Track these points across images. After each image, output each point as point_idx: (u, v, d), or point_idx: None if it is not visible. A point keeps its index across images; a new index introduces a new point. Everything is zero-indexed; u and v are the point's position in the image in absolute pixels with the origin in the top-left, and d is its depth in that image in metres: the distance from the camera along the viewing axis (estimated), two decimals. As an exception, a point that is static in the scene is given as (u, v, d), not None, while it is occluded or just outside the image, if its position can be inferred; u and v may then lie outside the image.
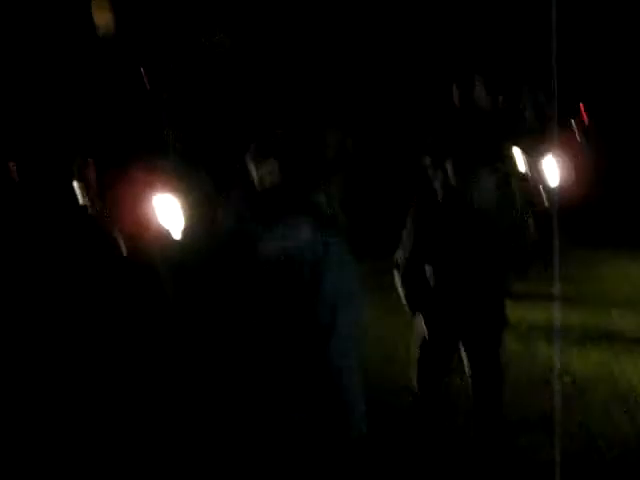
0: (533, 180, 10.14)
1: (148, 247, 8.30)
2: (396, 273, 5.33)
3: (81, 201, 9.35)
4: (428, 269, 5.31)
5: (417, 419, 5.48)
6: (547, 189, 9.94)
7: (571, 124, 12.54)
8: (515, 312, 6.58)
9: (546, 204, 9.83)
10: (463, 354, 5.40)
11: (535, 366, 7.11)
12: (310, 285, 3.79)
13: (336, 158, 4.01)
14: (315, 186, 3.97)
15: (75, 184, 9.49)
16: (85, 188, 9.43)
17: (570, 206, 9.90)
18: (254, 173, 4.09)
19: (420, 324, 5.34)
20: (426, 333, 5.29)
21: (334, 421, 3.91)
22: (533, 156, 10.15)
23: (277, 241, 3.84)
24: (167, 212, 7.99)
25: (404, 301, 5.32)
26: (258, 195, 4.03)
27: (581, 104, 13.53)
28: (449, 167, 5.32)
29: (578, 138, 12.58)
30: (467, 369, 5.42)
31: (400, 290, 5.32)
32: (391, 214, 6.86)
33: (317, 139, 4.04)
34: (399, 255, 5.33)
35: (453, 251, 5.26)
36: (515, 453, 5.58)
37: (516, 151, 10.05)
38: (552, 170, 10.00)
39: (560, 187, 9.96)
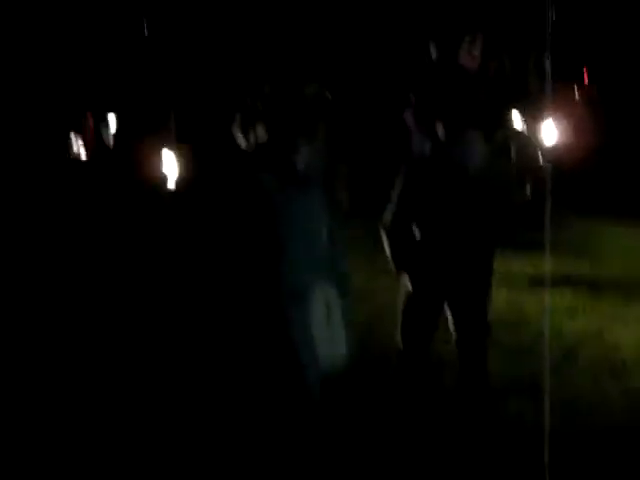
0: (531, 141, 10.12)
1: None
2: (383, 232, 5.32)
3: (74, 148, 9.86)
4: (415, 228, 5.30)
5: (402, 378, 5.48)
6: (545, 150, 9.92)
7: (573, 87, 12.47)
8: (503, 269, 6.60)
9: (543, 165, 9.80)
10: (448, 313, 5.39)
11: (523, 328, 7.11)
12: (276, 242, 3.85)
13: (316, 111, 4.00)
14: (298, 143, 3.98)
15: (72, 134, 10.02)
16: (81, 138, 9.95)
17: (568, 170, 9.88)
18: (241, 141, 4.15)
19: (406, 283, 5.33)
20: (411, 291, 5.29)
21: (289, 386, 3.94)
22: (532, 117, 10.12)
23: (253, 193, 3.89)
24: (168, 164, 8.98)
25: (390, 260, 5.31)
26: (245, 157, 4.10)
27: (584, 67, 13.43)
28: (438, 127, 5.29)
29: (579, 101, 12.53)
30: (452, 327, 5.41)
31: (386, 249, 5.32)
32: (379, 173, 6.82)
33: (297, 94, 4.04)
34: (386, 214, 5.32)
35: (441, 210, 5.25)
36: (502, 418, 5.57)
37: (515, 112, 10.02)
38: (551, 132, 9.98)
39: (558, 148, 9.94)
